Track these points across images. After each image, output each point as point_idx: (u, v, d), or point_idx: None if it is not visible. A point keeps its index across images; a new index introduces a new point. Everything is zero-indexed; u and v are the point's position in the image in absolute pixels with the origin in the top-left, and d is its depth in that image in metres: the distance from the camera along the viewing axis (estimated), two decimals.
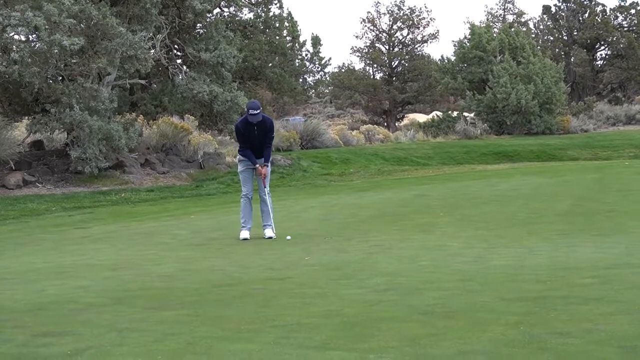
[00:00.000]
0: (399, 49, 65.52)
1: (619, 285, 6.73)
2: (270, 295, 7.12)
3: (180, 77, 25.91)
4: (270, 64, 35.76)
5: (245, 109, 12.30)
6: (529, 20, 72.60)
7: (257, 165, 12.39)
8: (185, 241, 12.32)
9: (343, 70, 65.56)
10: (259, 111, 12.01)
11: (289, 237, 11.92)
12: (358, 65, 68.36)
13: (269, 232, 12.29)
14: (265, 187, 12.42)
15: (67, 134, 23.99)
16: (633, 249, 9.10)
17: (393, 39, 65.39)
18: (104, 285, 8.00)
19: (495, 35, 49.92)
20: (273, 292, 7.28)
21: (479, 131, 44.31)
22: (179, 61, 27.90)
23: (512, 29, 52.60)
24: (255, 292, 7.32)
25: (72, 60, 22.53)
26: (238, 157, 12.82)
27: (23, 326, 6.03)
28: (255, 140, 12.31)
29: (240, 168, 12.63)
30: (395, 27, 65.06)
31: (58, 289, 7.83)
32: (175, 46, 27.56)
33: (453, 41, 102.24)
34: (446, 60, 53.06)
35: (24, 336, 5.68)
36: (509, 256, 8.97)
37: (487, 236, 11.04)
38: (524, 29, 64.32)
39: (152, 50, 25.59)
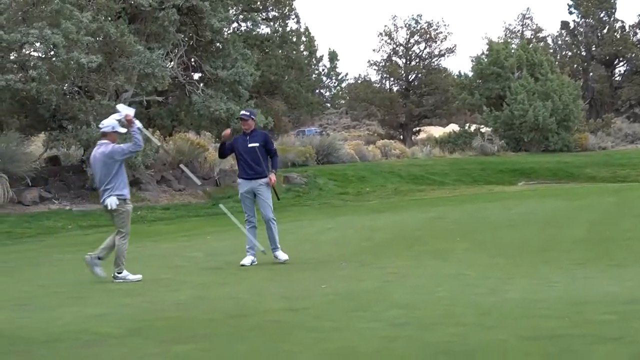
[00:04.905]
0: (416, 62, 65.60)
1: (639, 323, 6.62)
2: (284, 328, 7.05)
3: (197, 95, 25.89)
4: (286, 78, 35.87)
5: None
6: (548, 36, 72.43)
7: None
8: (201, 264, 12.32)
9: (360, 82, 65.64)
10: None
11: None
12: (375, 77, 68.38)
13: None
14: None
15: (84, 150, 24.06)
16: None
17: (410, 52, 65.47)
18: (120, 314, 7.98)
19: (513, 51, 49.82)
20: (287, 325, 7.21)
21: (496, 148, 44.19)
22: (196, 78, 27.92)
23: (531, 45, 52.54)
24: (269, 324, 7.26)
25: (90, 77, 22.60)
26: None
27: None
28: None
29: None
30: (412, 40, 65.19)
31: (73, 317, 7.82)
32: (193, 63, 27.58)
33: (471, 56, 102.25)
34: (463, 76, 53.01)
35: None
36: (525, 288, 8.88)
37: (503, 265, 10.97)
38: (542, 45, 64.16)
39: (170, 65, 25.65)
